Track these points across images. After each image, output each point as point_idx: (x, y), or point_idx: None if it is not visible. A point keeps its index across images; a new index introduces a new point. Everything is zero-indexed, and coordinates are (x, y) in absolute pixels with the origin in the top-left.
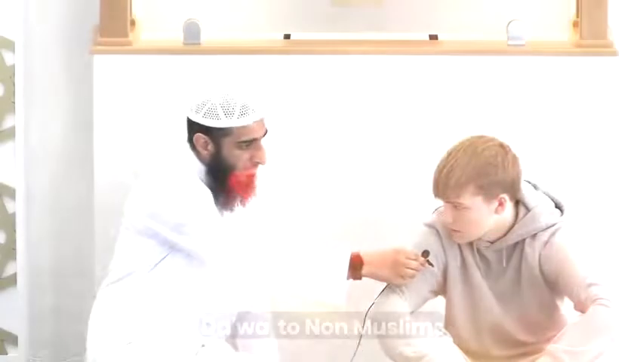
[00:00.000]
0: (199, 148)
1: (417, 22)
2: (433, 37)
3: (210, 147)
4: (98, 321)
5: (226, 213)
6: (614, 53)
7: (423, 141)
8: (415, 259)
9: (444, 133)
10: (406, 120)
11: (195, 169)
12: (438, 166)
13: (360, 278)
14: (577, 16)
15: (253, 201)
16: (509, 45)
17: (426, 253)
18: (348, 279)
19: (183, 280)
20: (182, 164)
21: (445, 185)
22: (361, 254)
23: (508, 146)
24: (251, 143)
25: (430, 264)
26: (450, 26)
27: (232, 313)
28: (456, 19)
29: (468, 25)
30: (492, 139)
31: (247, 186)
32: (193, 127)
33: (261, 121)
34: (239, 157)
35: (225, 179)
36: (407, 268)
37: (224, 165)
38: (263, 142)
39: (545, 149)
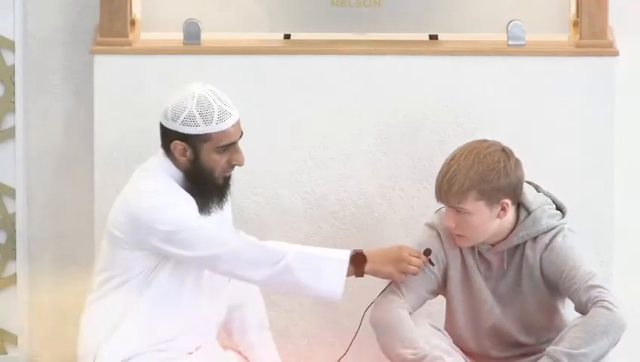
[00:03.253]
0: (177, 155)
1: (417, 22)
2: (433, 37)
3: (189, 153)
4: (91, 336)
5: (204, 216)
6: (614, 53)
7: (423, 141)
8: (417, 257)
9: (444, 133)
10: (406, 120)
11: (173, 175)
12: (441, 171)
13: (362, 275)
14: (577, 16)
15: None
16: (509, 45)
17: (427, 251)
18: (349, 276)
19: (174, 287)
20: (160, 170)
21: (448, 190)
22: (364, 252)
23: (511, 151)
24: (229, 147)
25: (431, 263)
26: (450, 26)
27: (220, 315)
28: (456, 19)
29: (468, 25)
30: (495, 144)
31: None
32: (169, 135)
33: (237, 124)
34: (218, 162)
35: (203, 184)
36: (410, 264)
37: (203, 170)
38: (241, 143)
39: (545, 149)
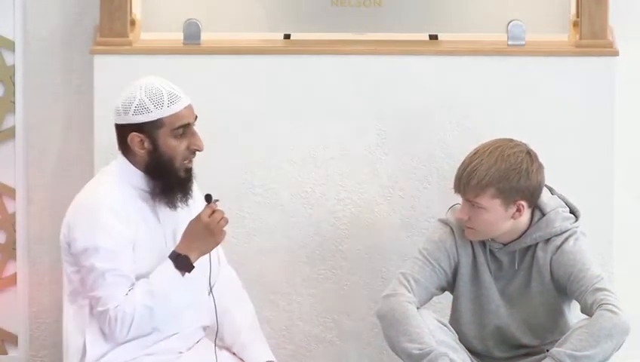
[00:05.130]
0: (136, 149)
1: (417, 22)
2: (433, 37)
3: (147, 144)
4: (73, 337)
5: (171, 211)
6: (614, 53)
7: (423, 141)
8: (212, 213)
9: (444, 133)
10: (406, 120)
11: (132, 177)
12: (463, 162)
13: (193, 267)
14: (577, 16)
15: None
16: (509, 45)
17: (208, 197)
18: (184, 275)
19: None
20: (116, 174)
21: (467, 183)
22: (179, 250)
23: (535, 154)
24: (185, 130)
25: (216, 200)
26: (450, 26)
27: (202, 319)
28: (456, 19)
29: (468, 25)
30: (520, 145)
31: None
32: (124, 130)
33: (190, 107)
34: (176, 148)
35: (165, 177)
36: (214, 222)
37: (163, 159)
38: (197, 128)
39: (544, 149)
